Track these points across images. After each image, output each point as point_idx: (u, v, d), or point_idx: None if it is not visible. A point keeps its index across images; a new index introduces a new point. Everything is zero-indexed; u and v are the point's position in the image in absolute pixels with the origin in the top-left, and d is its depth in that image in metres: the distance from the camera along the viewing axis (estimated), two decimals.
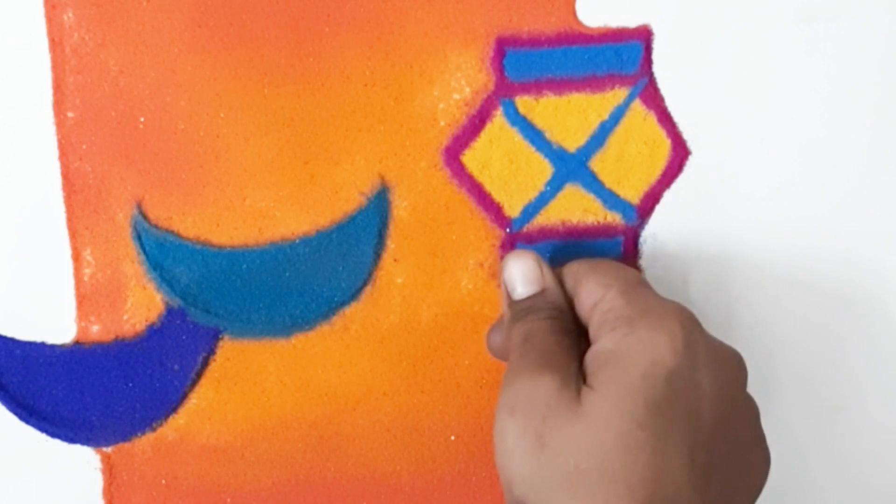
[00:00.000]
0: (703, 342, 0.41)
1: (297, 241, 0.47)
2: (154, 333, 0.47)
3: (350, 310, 0.48)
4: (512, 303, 0.45)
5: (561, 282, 0.45)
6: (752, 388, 0.47)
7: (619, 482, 0.38)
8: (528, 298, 0.44)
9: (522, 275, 0.45)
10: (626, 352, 0.40)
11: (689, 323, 0.41)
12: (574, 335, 0.43)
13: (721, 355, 0.42)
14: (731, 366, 0.42)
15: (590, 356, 0.41)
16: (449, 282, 0.48)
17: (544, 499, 0.39)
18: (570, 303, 0.44)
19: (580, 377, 0.41)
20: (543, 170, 0.48)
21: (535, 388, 0.40)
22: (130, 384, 0.47)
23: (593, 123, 0.47)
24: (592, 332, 0.43)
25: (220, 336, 0.47)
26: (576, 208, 0.48)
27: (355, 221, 0.47)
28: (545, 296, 0.44)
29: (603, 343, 0.41)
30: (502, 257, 0.48)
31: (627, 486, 0.38)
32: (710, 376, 0.40)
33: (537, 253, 0.45)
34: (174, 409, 0.48)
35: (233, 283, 0.47)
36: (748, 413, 0.43)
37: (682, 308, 0.42)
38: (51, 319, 0.46)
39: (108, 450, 0.48)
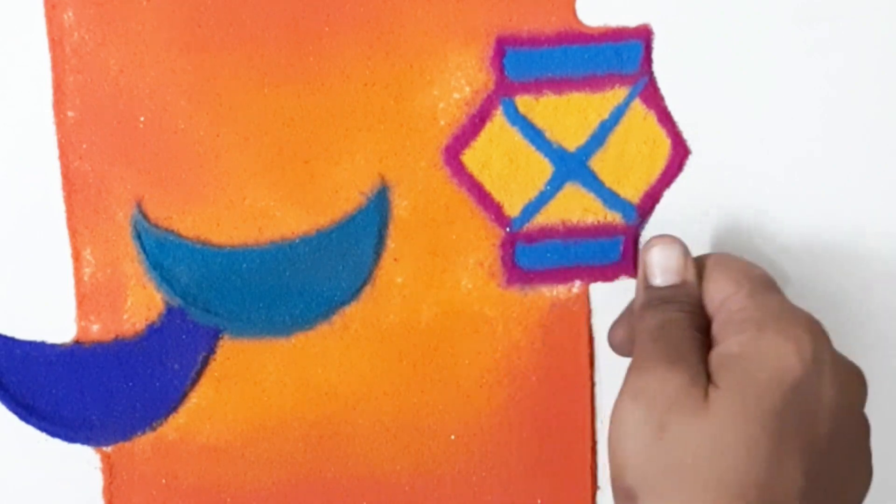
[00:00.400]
0: (829, 354, 0.41)
1: (297, 240, 0.47)
2: (154, 333, 0.47)
3: (350, 309, 0.48)
4: (649, 288, 0.45)
5: None
6: None
7: (732, 482, 0.38)
8: (668, 288, 0.44)
9: (665, 263, 0.45)
10: (754, 356, 0.40)
11: (818, 333, 0.41)
12: (704, 331, 0.43)
13: (845, 370, 0.42)
14: (853, 381, 0.42)
15: (716, 355, 0.41)
16: (449, 281, 0.48)
17: (655, 487, 0.39)
18: None
19: (707, 376, 0.41)
20: (543, 169, 0.48)
21: (665, 380, 0.40)
22: (130, 384, 0.47)
23: (593, 123, 0.47)
24: (716, 328, 0.43)
25: (220, 335, 0.47)
26: (576, 208, 0.48)
27: (355, 221, 0.47)
28: (685, 288, 0.44)
29: (730, 344, 0.41)
30: (502, 257, 0.48)
31: (740, 487, 0.38)
32: (833, 390, 0.40)
33: (682, 241, 0.45)
34: (174, 409, 0.48)
35: (233, 282, 0.47)
36: (862, 430, 0.43)
37: (811, 317, 0.42)
38: (51, 319, 0.46)
39: (108, 449, 0.48)
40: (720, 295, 0.43)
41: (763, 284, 0.43)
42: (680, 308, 0.43)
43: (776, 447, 0.39)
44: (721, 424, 0.39)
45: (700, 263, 0.45)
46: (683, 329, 0.43)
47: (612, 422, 0.41)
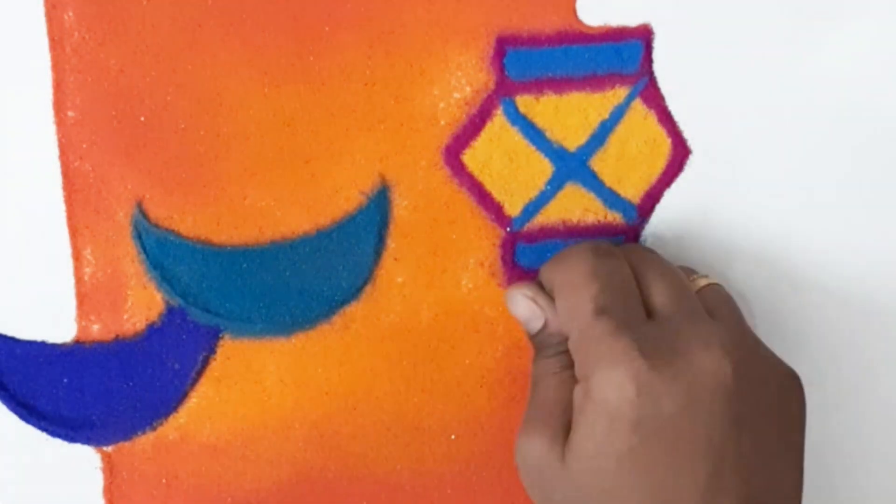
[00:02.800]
0: (658, 376, 0.41)
1: (298, 240, 0.47)
2: (154, 333, 0.47)
3: (350, 309, 0.48)
4: (530, 337, 0.46)
5: (549, 290, 0.46)
6: None
7: None
8: (536, 335, 0.46)
9: (523, 312, 0.46)
10: (588, 411, 0.41)
11: (638, 364, 0.41)
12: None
13: (683, 367, 0.41)
14: (698, 371, 0.41)
15: (574, 398, 0.43)
16: (449, 281, 0.48)
17: None
18: None
19: (567, 429, 0.42)
20: (544, 169, 0.48)
21: (529, 447, 0.43)
22: (131, 383, 0.47)
23: (594, 122, 0.47)
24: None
25: (221, 335, 0.47)
26: (576, 207, 0.48)
27: (356, 220, 0.47)
28: (548, 329, 0.45)
29: (576, 394, 0.42)
30: (502, 256, 0.48)
31: None
32: (679, 400, 0.41)
33: (531, 285, 0.46)
34: (174, 409, 0.48)
35: (233, 282, 0.47)
36: (755, 365, 0.43)
37: (629, 347, 0.41)
38: (51, 318, 0.46)
39: (109, 449, 0.48)
40: (565, 326, 0.44)
41: (596, 305, 0.42)
42: (548, 353, 0.45)
43: (641, 481, 0.40)
44: (580, 481, 0.41)
45: (546, 280, 0.45)
46: (550, 376, 0.44)
47: None
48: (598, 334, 0.42)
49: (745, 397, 0.41)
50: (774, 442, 0.42)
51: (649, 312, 0.43)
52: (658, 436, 0.40)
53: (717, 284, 0.46)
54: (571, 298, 0.43)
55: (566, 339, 0.44)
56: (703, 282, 0.46)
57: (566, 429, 0.42)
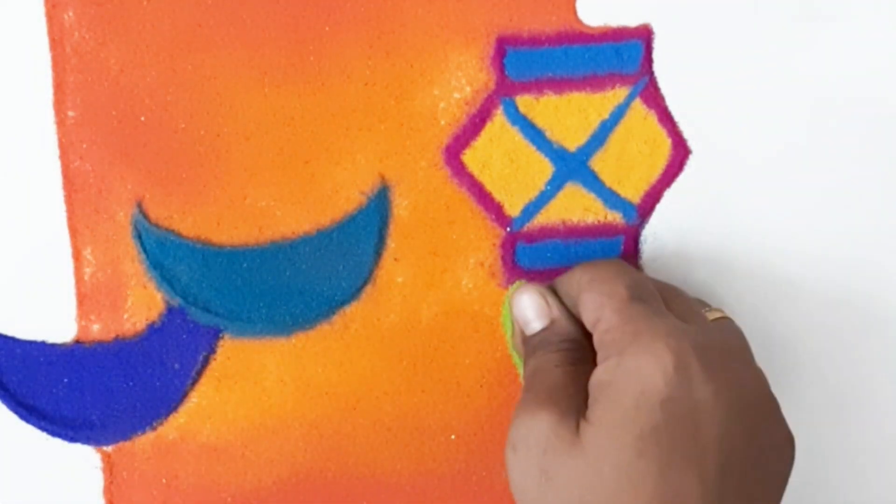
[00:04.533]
0: (696, 361, 0.40)
1: (298, 240, 0.47)
2: (154, 332, 0.47)
3: (350, 309, 0.48)
4: (525, 339, 0.46)
5: (568, 294, 0.45)
6: None
7: None
8: (539, 333, 0.45)
9: (525, 313, 0.46)
10: (618, 382, 0.40)
11: (679, 343, 0.41)
12: (588, 362, 0.43)
13: (719, 363, 0.41)
14: (733, 375, 0.42)
15: (591, 385, 0.42)
16: (449, 281, 0.48)
17: None
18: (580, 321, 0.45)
19: (582, 409, 0.41)
20: (544, 169, 0.48)
21: (534, 425, 0.41)
22: (131, 383, 0.47)
23: (594, 123, 0.47)
24: (597, 353, 0.43)
25: (221, 335, 0.47)
26: (576, 207, 0.48)
27: (356, 221, 0.47)
28: (554, 328, 0.45)
29: (599, 373, 0.42)
30: (502, 256, 0.48)
31: None
32: (708, 390, 0.40)
33: (541, 286, 0.46)
34: (175, 408, 0.48)
35: (233, 282, 0.47)
36: (765, 408, 0.43)
37: (673, 327, 0.41)
38: (51, 318, 0.46)
39: (109, 449, 0.48)
40: (591, 317, 0.43)
41: (627, 298, 0.42)
42: (551, 349, 0.44)
43: (660, 468, 0.39)
44: (596, 458, 0.40)
45: (572, 282, 0.45)
46: (555, 367, 0.43)
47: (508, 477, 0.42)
48: (637, 313, 0.42)
49: (752, 425, 0.42)
50: (761, 486, 0.42)
51: None
52: (682, 420, 0.40)
53: (728, 319, 0.46)
54: (605, 287, 0.43)
55: (568, 339, 0.44)
56: (716, 314, 0.46)
57: (575, 409, 0.41)
